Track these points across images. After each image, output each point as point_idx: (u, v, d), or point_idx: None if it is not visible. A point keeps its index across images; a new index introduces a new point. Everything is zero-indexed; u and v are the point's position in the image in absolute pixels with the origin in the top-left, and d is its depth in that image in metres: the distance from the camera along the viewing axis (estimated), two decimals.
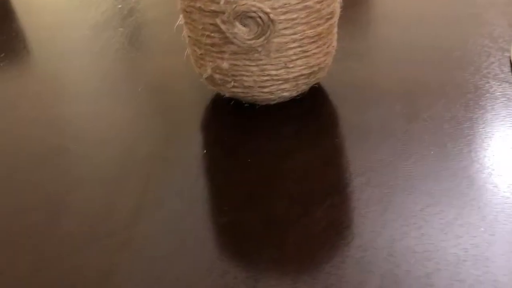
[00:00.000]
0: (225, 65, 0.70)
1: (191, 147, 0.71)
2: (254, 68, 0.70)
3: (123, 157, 0.70)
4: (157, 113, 0.79)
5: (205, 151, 0.70)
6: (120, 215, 0.61)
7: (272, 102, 0.75)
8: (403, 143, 0.67)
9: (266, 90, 0.71)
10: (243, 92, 0.73)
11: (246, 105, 0.76)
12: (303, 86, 0.74)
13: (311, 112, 0.75)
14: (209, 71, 0.72)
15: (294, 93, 0.74)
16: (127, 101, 0.82)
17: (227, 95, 0.75)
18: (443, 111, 0.71)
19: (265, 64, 0.69)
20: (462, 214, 0.56)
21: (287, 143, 0.70)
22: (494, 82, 0.76)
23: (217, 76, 0.73)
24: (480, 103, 0.72)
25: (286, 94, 0.73)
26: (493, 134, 0.67)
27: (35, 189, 0.66)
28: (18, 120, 0.80)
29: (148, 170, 0.67)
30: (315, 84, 0.77)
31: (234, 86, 0.72)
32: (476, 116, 0.70)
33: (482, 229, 0.54)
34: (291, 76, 0.71)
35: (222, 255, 0.55)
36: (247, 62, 0.69)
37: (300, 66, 0.71)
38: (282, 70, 0.70)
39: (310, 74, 0.72)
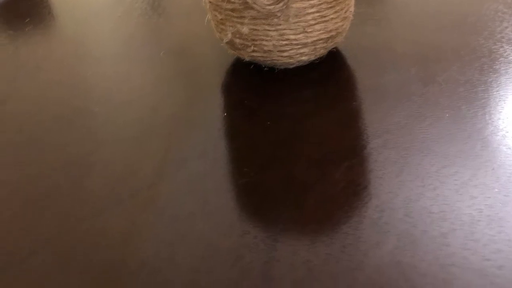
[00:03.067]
0: (245, 30, 0.69)
1: (212, 109, 0.70)
2: (274, 33, 0.69)
3: (145, 119, 0.70)
4: (178, 76, 0.79)
5: (225, 114, 0.69)
6: (142, 176, 0.61)
7: (291, 66, 0.74)
8: (419, 106, 0.66)
9: (285, 54, 0.71)
10: (262, 56, 0.72)
11: (265, 68, 0.75)
12: (321, 50, 0.73)
13: (329, 75, 0.74)
14: (229, 35, 0.72)
15: (313, 57, 0.73)
16: (149, 64, 0.82)
17: (247, 59, 0.74)
18: (458, 74, 0.70)
19: (284, 29, 0.69)
20: (476, 175, 0.55)
21: (306, 106, 0.69)
22: (507, 47, 0.75)
23: (237, 40, 0.72)
24: (494, 67, 0.71)
25: (304, 58, 0.72)
26: (506, 97, 0.66)
27: (58, 150, 0.66)
28: (42, 83, 0.80)
29: (170, 132, 0.67)
30: (333, 48, 0.76)
31: (254, 51, 0.71)
32: (490, 80, 0.69)
33: (496, 190, 0.54)
34: (309, 40, 0.70)
35: (242, 215, 0.54)
36: (267, 27, 0.69)
37: (318, 30, 0.70)
38: (301, 35, 0.69)
39: (328, 38, 0.72)
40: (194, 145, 0.64)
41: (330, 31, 0.71)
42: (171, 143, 0.65)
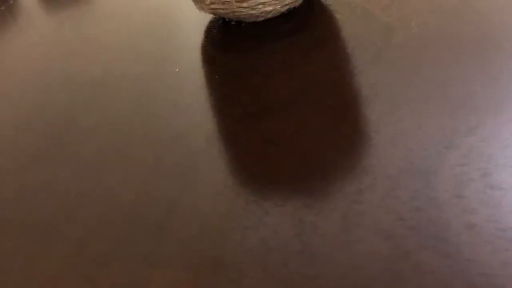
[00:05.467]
0: None
1: (183, 68, 0.66)
2: None
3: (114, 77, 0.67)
4: (151, 36, 0.76)
5: (177, 69, 0.66)
6: None
7: (260, 19, 0.68)
8: None
9: (244, 5, 0.64)
10: (222, 9, 0.66)
11: (232, 23, 0.70)
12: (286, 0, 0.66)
13: (302, 28, 0.69)
14: None
15: (279, 8, 0.67)
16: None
17: (207, 12, 0.69)
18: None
19: None
20: None
21: (275, 61, 0.64)
22: None
23: None
24: None
25: (268, 9, 0.65)
26: None
27: None
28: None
29: (140, 89, 0.64)
30: None
31: (212, 2, 0.66)
32: None
33: None
34: None
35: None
36: None
37: None
38: None
39: None
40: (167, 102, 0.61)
41: None
42: (141, 100, 0.62)
